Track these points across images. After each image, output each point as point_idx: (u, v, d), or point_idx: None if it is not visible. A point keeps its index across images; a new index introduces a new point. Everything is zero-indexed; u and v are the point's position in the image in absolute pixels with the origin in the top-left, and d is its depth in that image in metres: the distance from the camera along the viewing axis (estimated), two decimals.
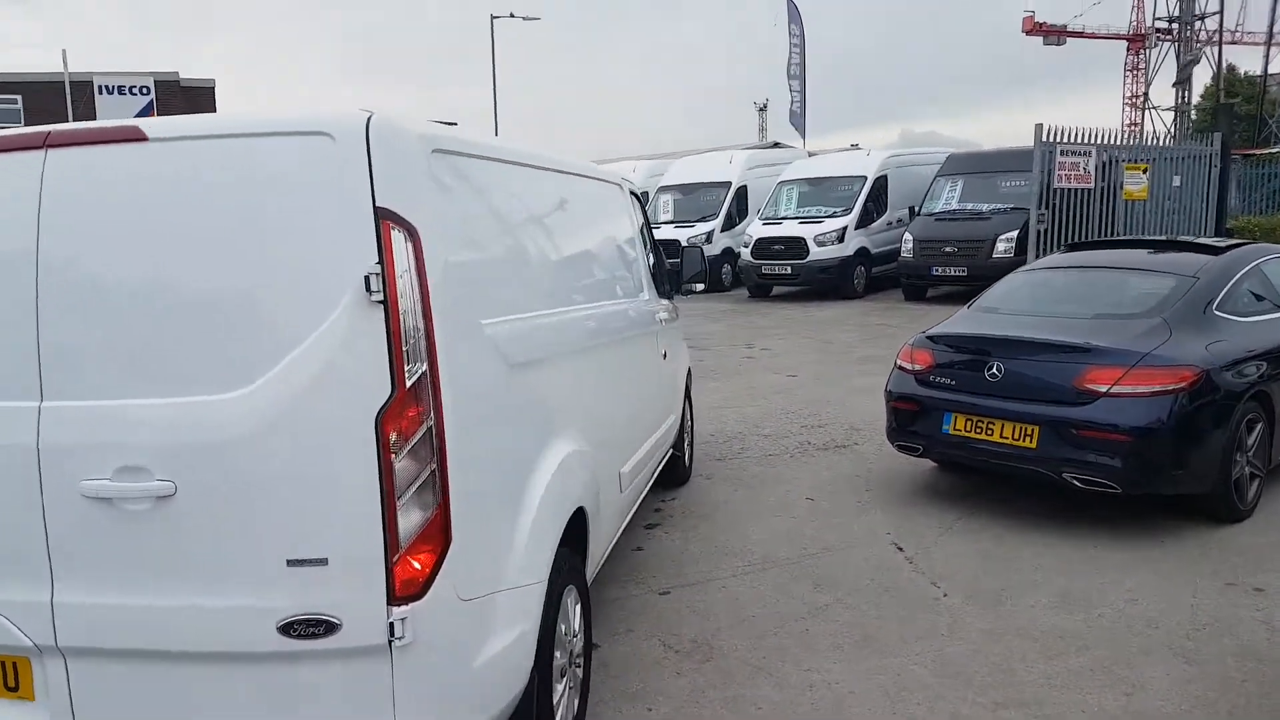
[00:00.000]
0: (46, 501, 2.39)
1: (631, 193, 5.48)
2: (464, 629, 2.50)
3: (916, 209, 16.94)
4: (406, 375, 2.34)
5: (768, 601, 4.60)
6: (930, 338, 5.99)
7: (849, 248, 17.53)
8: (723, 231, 19.83)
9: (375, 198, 2.32)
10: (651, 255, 6.04)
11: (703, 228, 19.60)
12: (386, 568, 2.33)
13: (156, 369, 2.37)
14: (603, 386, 3.93)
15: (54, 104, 23.66)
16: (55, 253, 2.39)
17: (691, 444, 6.82)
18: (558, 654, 3.10)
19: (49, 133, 2.46)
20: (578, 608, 3.40)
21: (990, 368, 5.49)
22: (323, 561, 2.33)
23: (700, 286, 6.41)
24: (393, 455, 2.32)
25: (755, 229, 18.28)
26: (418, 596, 2.37)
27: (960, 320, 6.19)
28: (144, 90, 24.50)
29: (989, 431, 5.46)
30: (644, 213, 5.91)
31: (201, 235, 2.37)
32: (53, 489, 2.39)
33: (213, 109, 28.00)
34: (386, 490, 2.32)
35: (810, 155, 22.78)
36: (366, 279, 2.29)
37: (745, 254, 18.16)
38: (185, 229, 2.37)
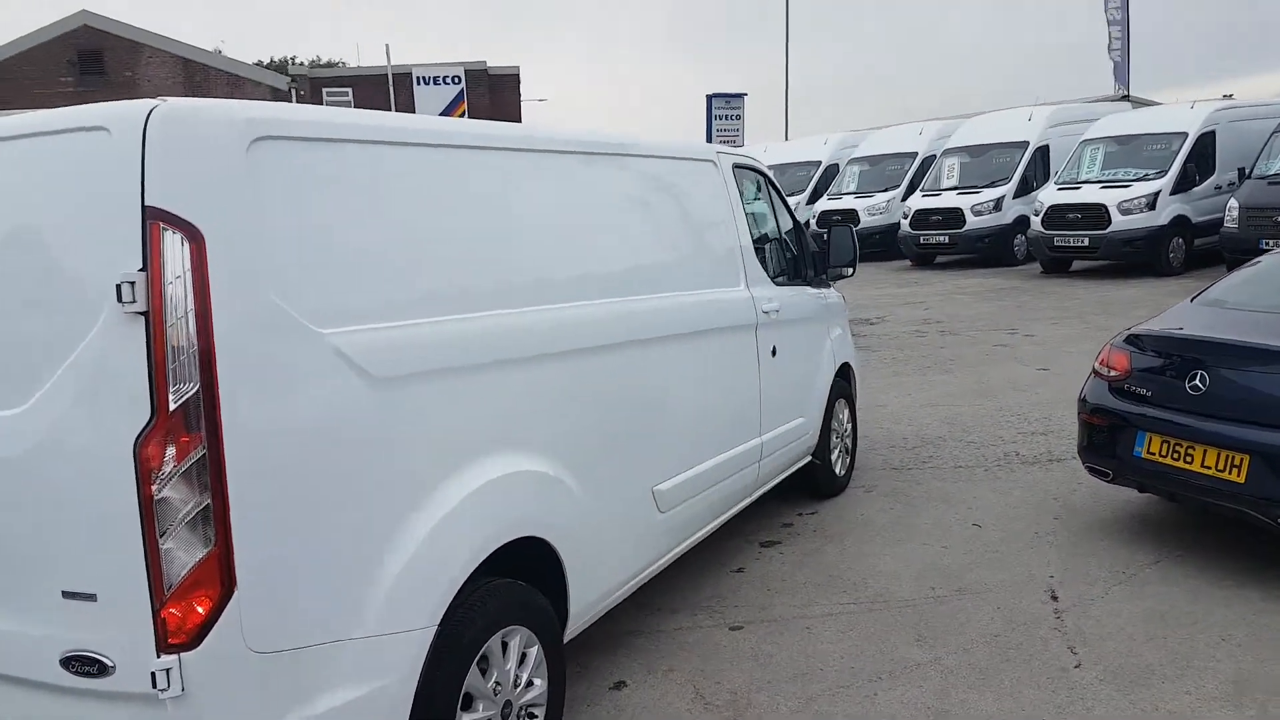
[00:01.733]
0: None
1: (743, 167, 4.84)
2: (264, 684, 2.18)
3: (1247, 171, 14.23)
4: (170, 397, 2.04)
5: (849, 653, 3.88)
6: (1131, 337, 4.81)
7: (1161, 216, 15.12)
8: (1016, 198, 17.95)
9: (144, 196, 2.05)
10: (788, 238, 5.37)
11: (990, 194, 17.86)
12: (152, 611, 2.07)
13: None
14: (609, 394, 3.42)
15: (379, 96, 26.26)
16: None
17: (851, 450, 6.04)
18: (476, 708, 2.71)
19: None
20: (533, 652, 2.97)
21: (1194, 378, 4.29)
22: (91, 597, 2.12)
23: (850, 272, 5.61)
24: (152, 487, 2.05)
25: (1048, 195, 16.33)
26: (188, 646, 2.08)
27: (1173, 315, 4.93)
28: (455, 79, 26.45)
29: (1188, 458, 4.27)
30: (771, 189, 5.23)
31: None
32: None
33: (517, 96, 29.73)
34: (147, 526, 2.05)
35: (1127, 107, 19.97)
36: (118, 288, 2.02)
37: (1035, 223, 16.25)
38: None
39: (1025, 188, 18.06)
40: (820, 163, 23.63)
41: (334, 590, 2.33)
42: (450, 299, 2.74)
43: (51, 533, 2.18)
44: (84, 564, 2.13)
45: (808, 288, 5.40)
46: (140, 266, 2.04)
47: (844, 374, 5.93)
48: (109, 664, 2.11)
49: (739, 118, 35.08)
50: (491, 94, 28.64)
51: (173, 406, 2.04)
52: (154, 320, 2.03)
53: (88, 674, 2.13)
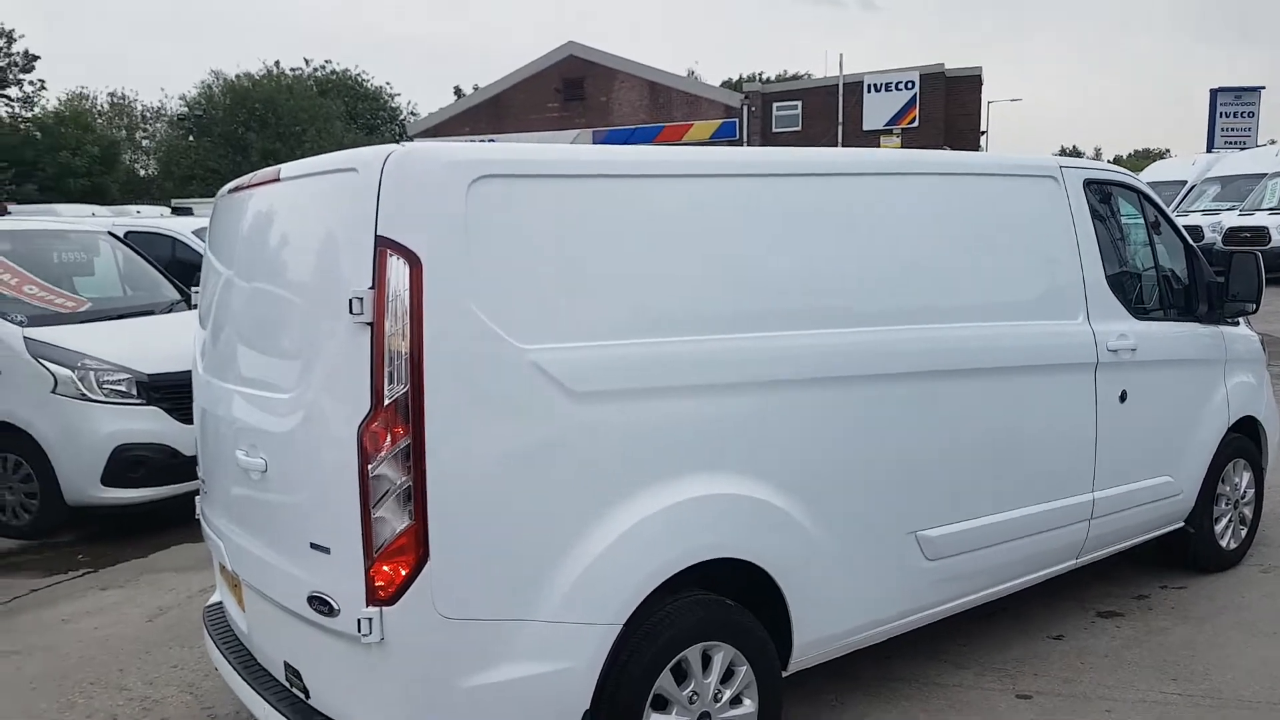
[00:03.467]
0: (224, 461, 3.14)
1: (1102, 183, 4.30)
2: (449, 644, 2.50)
3: None
4: (386, 393, 2.42)
5: None
6: None
7: None
8: None
9: (377, 226, 2.44)
10: (1169, 265, 4.67)
11: None
12: (365, 569, 2.47)
13: (254, 365, 2.99)
14: (861, 428, 3.28)
15: (828, 106, 26.66)
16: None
17: (1252, 521, 5.08)
18: (670, 710, 2.84)
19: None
20: (742, 671, 3.00)
21: None
22: (327, 550, 2.58)
23: (1252, 308, 4.70)
24: (369, 465, 2.44)
25: None
26: (389, 602, 2.46)
27: None
28: (908, 85, 25.94)
29: None
30: (1149, 207, 4.57)
31: (275, 262, 2.98)
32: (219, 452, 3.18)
33: (977, 98, 28.38)
34: (363, 497, 2.46)
35: None
36: (350, 301, 2.44)
37: None
38: (267, 255, 3.01)
39: None
40: None
41: (520, 575, 2.59)
42: (672, 322, 2.86)
43: (305, 493, 2.70)
44: (323, 522, 2.60)
45: (1196, 325, 4.65)
46: (370, 285, 2.44)
47: (1247, 430, 5.01)
48: (335, 607, 2.56)
49: (1252, 115, 30.40)
50: (948, 97, 27.70)
51: (387, 401, 2.42)
52: (377, 330, 2.43)
53: (322, 612, 2.59)
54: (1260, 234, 19.16)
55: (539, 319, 2.63)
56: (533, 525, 2.61)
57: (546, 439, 2.63)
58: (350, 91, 51.55)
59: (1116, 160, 77.19)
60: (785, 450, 3.11)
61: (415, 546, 2.45)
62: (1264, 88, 29.68)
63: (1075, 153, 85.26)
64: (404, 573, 2.46)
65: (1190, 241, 4.72)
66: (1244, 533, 5.02)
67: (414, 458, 2.43)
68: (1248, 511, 5.05)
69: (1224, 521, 4.88)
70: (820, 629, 3.27)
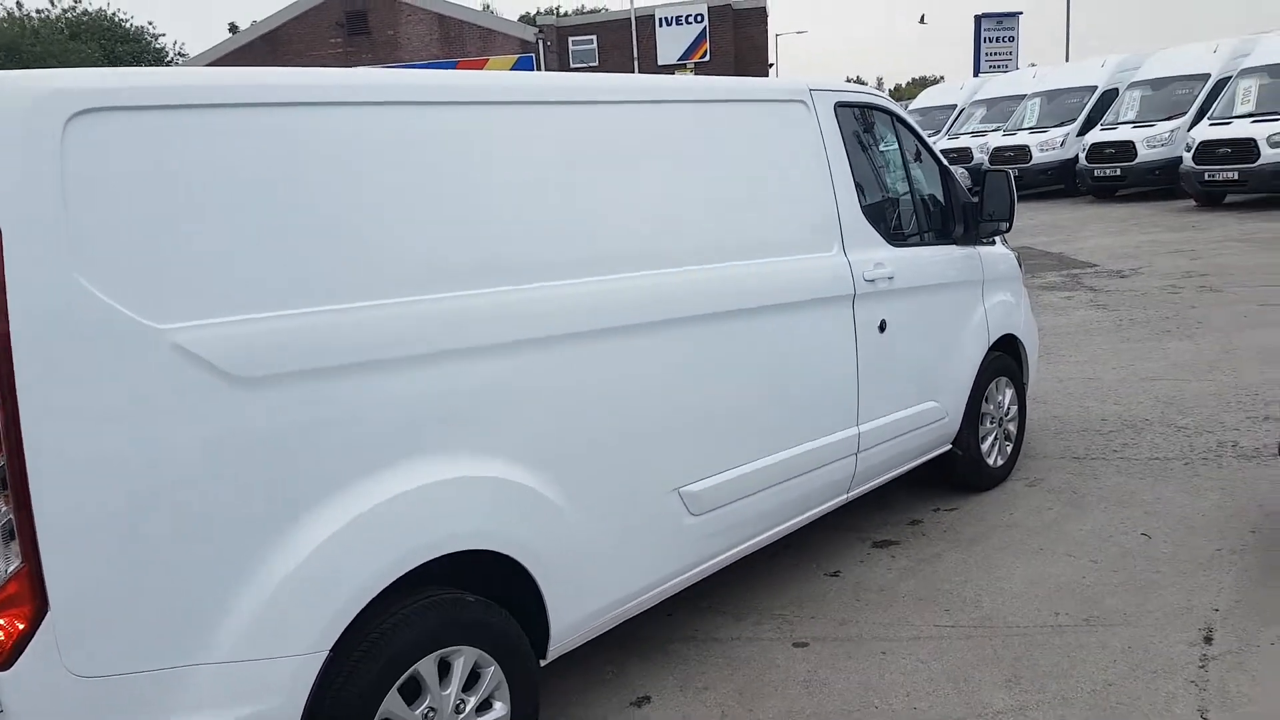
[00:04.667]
0: None
1: (854, 106, 4.14)
2: (91, 710, 2.03)
3: None
4: None
5: (918, 689, 3.28)
6: None
7: None
8: None
9: None
10: (926, 189, 4.60)
11: None
12: None
13: None
14: (606, 388, 2.99)
15: (622, 40, 26.31)
16: None
17: (1016, 437, 5.19)
18: None
19: None
20: (490, 672, 2.68)
21: None
22: None
23: (1005, 226, 4.73)
24: None
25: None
26: (3, 666, 1.96)
27: None
28: (697, 18, 25.90)
29: None
30: (904, 130, 4.47)
31: None
32: None
33: (764, 30, 28.74)
34: None
35: None
36: None
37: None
38: None
39: None
40: (1096, 88, 21.08)
41: (181, 612, 2.14)
42: (372, 282, 2.44)
43: None
44: None
45: (953, 247, 4.61)
46: None
47: (1008, 347, 5.08)
48: None
49: (1012, 39, 32.28)
50: (736, 30, 27.87)
51: None
52: None
53: None
54: (1022, 152, 20.37)
55: (182, 289, 2.14)
56: (194, 549, 2.15)
57: (203, 440, 2.16)
58: (107, 33, 46.67)
59: (896, 89, 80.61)
60: (527, 421, 2.77)
61: (30, 595, 1.95)
62: (1021, 12, 31.51)
63: (858, 82, 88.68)
64: (19, 627, 1.96)
65: (945, 163, 4.68)
66: (1010, 449, 5.13)
67: (13, 483, 1.92)
68: (1012, 428, 5.15)
69: (990, 440, 4.95)
70: (580, 608, 2.99)
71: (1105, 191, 19.13)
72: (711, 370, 3.33)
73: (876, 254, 4.05)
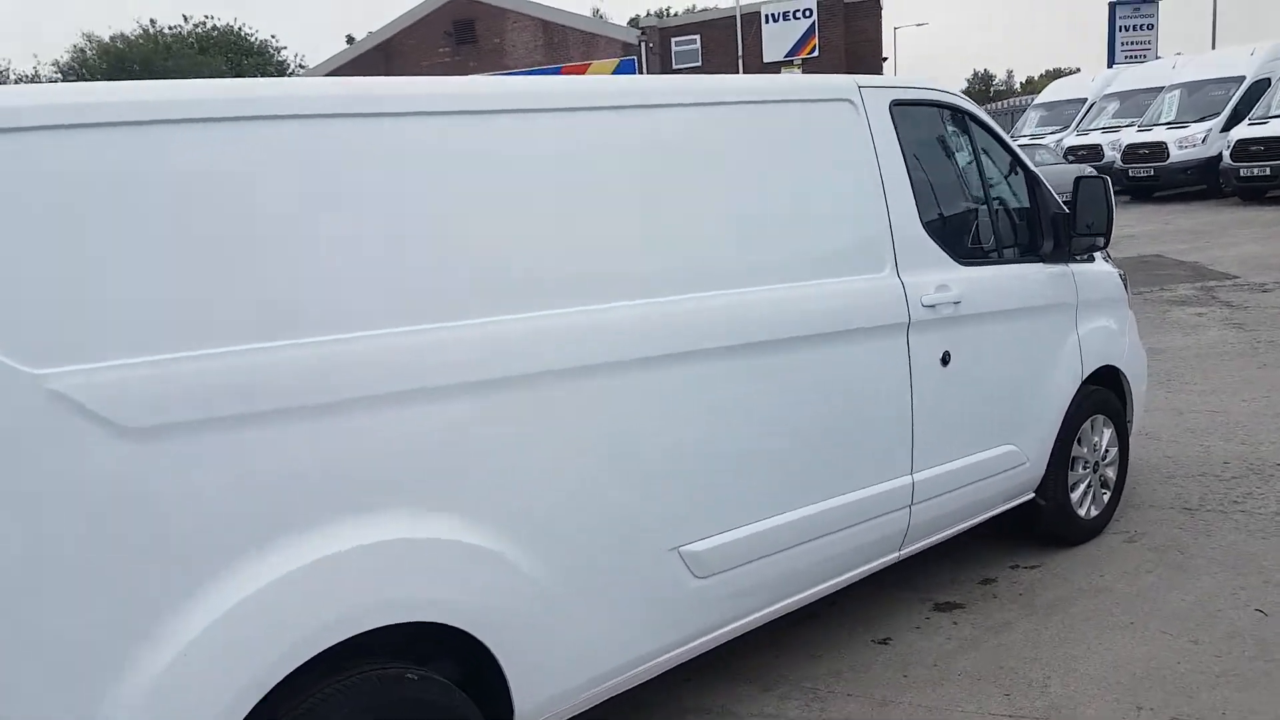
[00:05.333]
0: None
1: (916, 104, 3.59)
2: None
3: None
4: None
5: None
6: None
7: None
8: None
9: None
10: (1006, 197, 4.00)
11: None
12: None
13: None
14: (589, 433, 2.56)
15: (726, 38, 25.67)
16: None
17: (1117, 484, 4.51)
18: None
19: None
20: None
21: None
22: None
23: (1102, 242, 4.07)
24: None
25: None
26: None
27: None
28: (805, 13, 25.00)
29: None
30: (978, 130, 3.88)
31: None
32: None
33: (878, 23, 27.62)
34: None
35: None
36: None
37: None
38: None
39: None
40: (1243, 78, 19.38)
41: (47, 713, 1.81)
42: (279, 320, 2.08)
43: None
44: None
45: (1040, 266, 3.99)
46: None
47: (1108, 381, 4.41)
48: None
49: (1151, 27, 30.25)
50: (847, 23, 26.86)
51: None
52: None
53: None
54: (1159, 149, 18.93)
55: (64, 330, 1.84)
56: (69, 634, 1.83)
57: (86, 501, 1.85)
58: (233, 47, 48.70)
59: (1028, 83, 76.95)
60: (489, 473, 2.39)
61: None
62: None
63: (986, 77, 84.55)
64: None
65: (1031, 168, 4.05)
66: (1106, 498, 4.45)
67: None
68: (1111, 473, 4.47)
69: (1081, 488, 4.30)
70: (553, 685, 2.58)
71: (1253, 193, 17.54)
72: (723, 413, 2.86)
73: (939, 275, 3.49)
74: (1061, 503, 4.18)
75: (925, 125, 3.71)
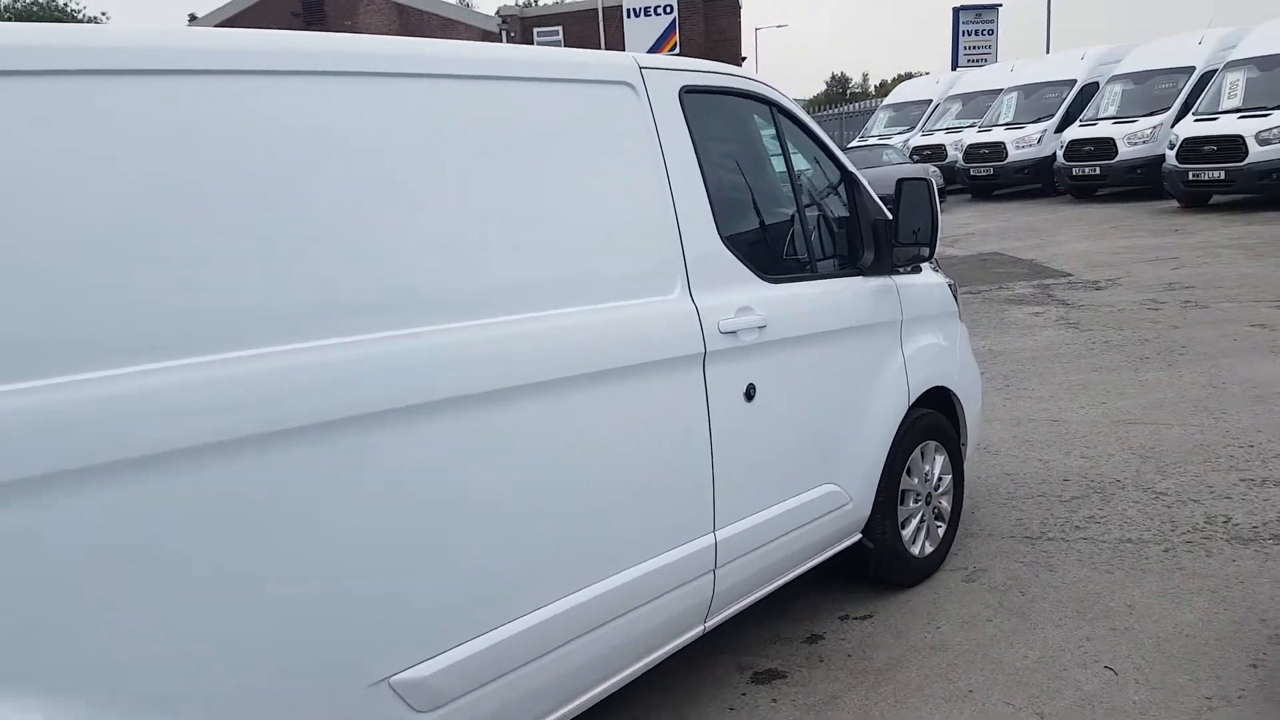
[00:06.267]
0: None
1: (712, 92, 3.04)
2: None
3: None
4: None
5: None
6: None
7: None
8: None
9: None
10: (822, 202, 3.51)
11: None
12: None
13: None
14: (249, 533, 1.88)
15: (589, 32, 25.05)
16: None
17: (952, 515, 4.09)
18: None
19: None
20: None
21: None
22: None
23: (926, 252, 3.63)
24: None
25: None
26: None
27: None
28: (666, 9, 24.61)
29: None
30: (788, 124, 3.37)
31: None
32: None
33: (737, 21, 27.54)
34: None
35: None
36: None
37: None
38: None
39: None
40: (1075, 82, 20.09)
41: None
42: None
43: None
44: None
45: (860, 279, 3.51)
46: None
47: (939, 403, 3.98)
48: None
49: (991, 33, 31.29)
50: (707, 23, 26.62)
51: None
52: None
53: None
54: (998, 149, 19.37)
55: None
56: None
57: None
58: (58, 24, 44.97)
59: (882, 86, 79.33)
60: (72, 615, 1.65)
61: None
62: (1001, 4, 30.47)
63: (843, 80, 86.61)
64: None
65: (851, 169, 3.56)
66: (942, 530, 4.03)
67: None
68: (945, 503, 4.05)
69: (914, 523, 3.86)
70: None
71: (1084, 191, 18.13)
72: (446, 490, 2.21)
73: (742, 294, 2.94)
74: (892, 543, 3.72)
75: (726, 119, 3.17)
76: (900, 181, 3.50)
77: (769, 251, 3.21)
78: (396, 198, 2.16)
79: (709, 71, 3.04)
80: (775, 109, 3.29)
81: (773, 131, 3.32)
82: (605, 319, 2.53)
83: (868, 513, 3.58)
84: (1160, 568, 3.88)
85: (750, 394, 2.94)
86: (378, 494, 2.06)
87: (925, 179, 3.51)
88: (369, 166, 2.12)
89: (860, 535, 3.64)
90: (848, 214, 3.55)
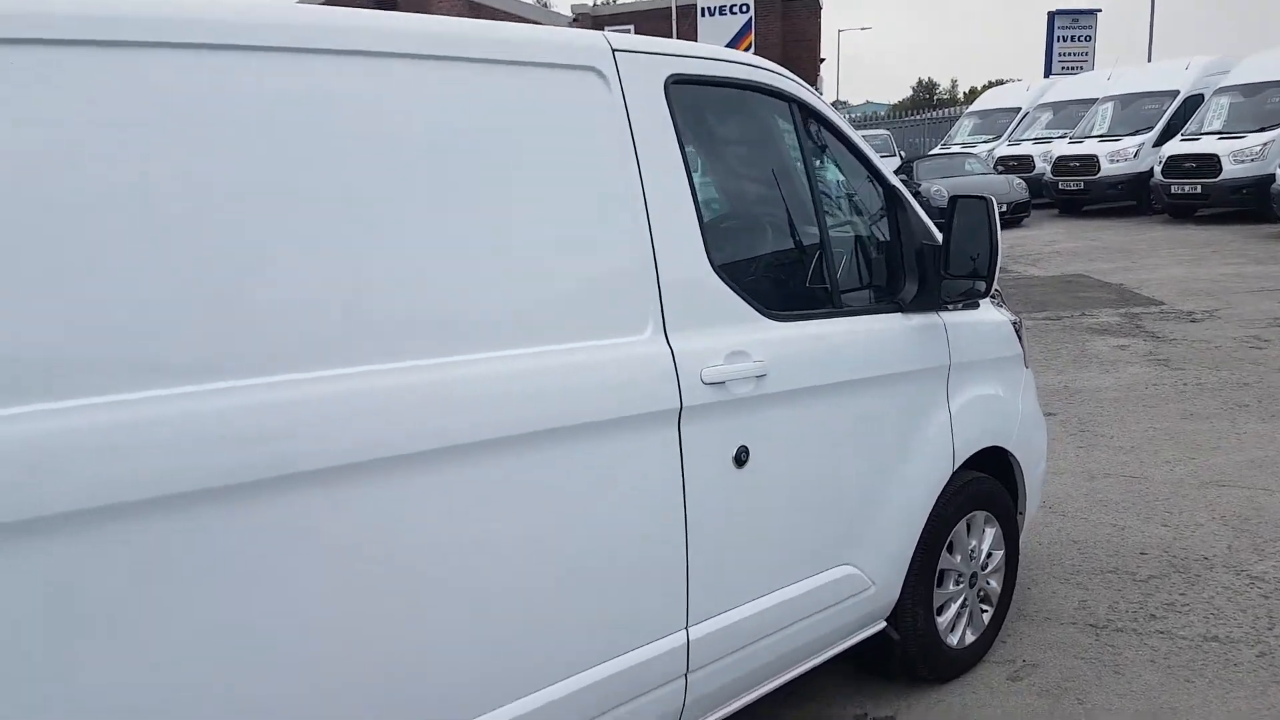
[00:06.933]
0: None
1: (708, 83, 2.48)
2: None
3: None
4: None
5: None
6: None
7: None
8: None
9: None
10: (849, 221, 2.93)
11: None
12: None
13: None
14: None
15: (662, 30, 24.58)
16: None
17: (1000, 599, 3.45)
18: None
19: None
20: None
21: None
22: None
23: (982, 287, 2.99)
24: None
25: None
26: None
27: None
28: (743, 8, 23.95)
29: None
30: (811, 125, 2.78)
31: None
32: None
33: (817, 23, 26.70)
34: None
35: None
36: None
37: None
38: None
39: None
40: (1178, 93, 18.82)
41: None
42: None
43: None
44: None
45: (898, 316, 2.91)
46: None
47: (991, 465, 3.36)
48: None
49: (1089, 39, 29.91)
50: (784, 22, 25.86)
51: None
52: None
53: None
54: (1089, 162, 18.29)
55: None
56: None
57: None
58: None
59: (971, 92, 77.06)
60: None
61: None
62: (1100, 10, 29.03)
63: (930, 86, 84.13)
64: None
65: (893, 182, 2.96)
66: (987, 617, 3.39)
67: None
68: (994, 583, 3.41)
69: (953, 608, 3.24)
70: None
71: (1183, 211, 16.93)
72: (335, 582, 1.71)
73: (736, 335, 2.37)
74: (924, 631, 3.10)
75: (729, 117, 2.61)
76: (954, 199, 2.88)
77: (778, 282, 2.64)
78: (285, 213, 1.66)
79: (708, 58, 2.46)
80: (796, 106, 2.70)
81: (795, 134, 2.73)
82: (546, 365, 2.00)
83: (895, 597, 2.98)
84: (1253, 678, 3.19)
85: (742, 459, 2.37)
86: (271, 576, 1.59)
87: (984, 196, 2.88)
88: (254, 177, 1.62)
89: (885, 623, 3.03)
90: (887, 237, 2.95)
